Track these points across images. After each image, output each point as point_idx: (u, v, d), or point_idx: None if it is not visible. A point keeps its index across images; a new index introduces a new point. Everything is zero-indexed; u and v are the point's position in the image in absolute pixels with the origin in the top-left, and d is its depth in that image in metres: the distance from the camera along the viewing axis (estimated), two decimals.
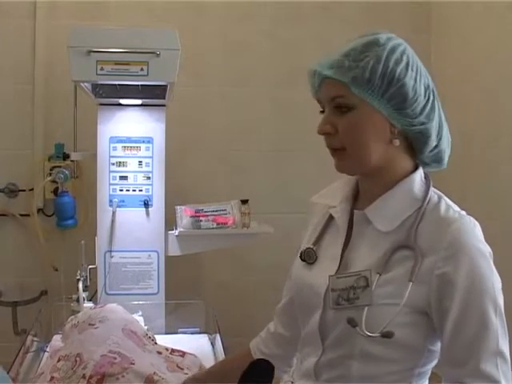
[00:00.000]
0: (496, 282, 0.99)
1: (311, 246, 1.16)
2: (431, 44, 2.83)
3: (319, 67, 1.06)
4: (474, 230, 1.01)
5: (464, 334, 0.96)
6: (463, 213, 1.04)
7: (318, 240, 1.17)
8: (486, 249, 1.01)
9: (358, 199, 1.16)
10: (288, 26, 2.80)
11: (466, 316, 0.96)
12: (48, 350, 1.84)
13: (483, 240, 1.02)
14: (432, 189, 1.08)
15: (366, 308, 1.00)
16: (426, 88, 1.04)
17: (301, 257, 1.16)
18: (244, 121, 2.80)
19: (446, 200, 1.07)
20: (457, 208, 1.05)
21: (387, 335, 0.97)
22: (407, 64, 1.02)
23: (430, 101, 1.04)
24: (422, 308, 1.00)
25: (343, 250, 1.10)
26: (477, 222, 1.03)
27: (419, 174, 1.09)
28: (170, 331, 2.15)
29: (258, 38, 2.79)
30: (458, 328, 0.97)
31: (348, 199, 1.16)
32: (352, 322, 1.00)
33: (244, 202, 2.31)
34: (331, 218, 1.17)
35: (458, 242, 0.98)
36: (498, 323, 0.97)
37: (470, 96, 2.44)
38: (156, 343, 1.81)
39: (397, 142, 1.04)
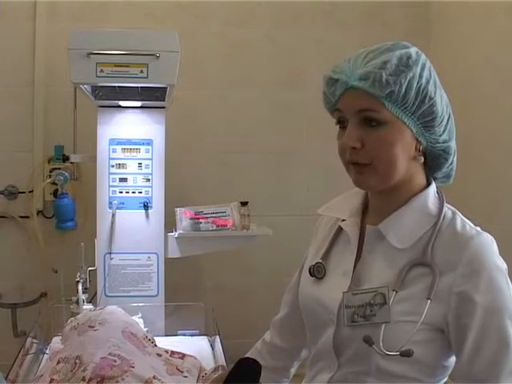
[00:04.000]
0: None
1: (320, 261, 1.13)
2: (430, 48, 2.82)
3: (345, 77, 0.99)
4: (492, 247, 1.00)
5: (484, 352, 0.95)
6: (479, 229, 1.02)
7: (327, 254, 1.15)
8: (503, 265, 0.99)
9: (366, 213, 1.13)
10: (287, 28, 2.80)
11: (486, 334, 0.95)
12: (47, 352, 1.84)
13: (499, 256, 1.00)
14: (446, 204, 1.06)
15: (384, 325, 0.98)
16: (447, 105, 1.03)
17: (310, 272, 1.13)
18: (243, 123, 2.80)
19: (460, 216, 1.05)
20: (472, 224, 1.04)
21: (407, 354, 0.95)
22: (435, 81, 1.01)
23: (450, 118, 1.04)
24: (438, 325, 0.99)
25: (354, 266, 1.08)
26: (493, 239, 1.01)
27: (432, 189, 1.07)
28: (169, 333, 2.14)
29: (257, 41, 2.79)
30: (478, 346, 0.95)
31: (357, 212, 1.13)
32: (369, 341, 0.98)
33: (243, 204, 2.32)
34: (339, 231, 1.15)
35: (477, 259, 0.97)
36: None
37: (470, 100, 2.44)
38: (156, 345, 1.81)
39: (421, 159, 1.04)
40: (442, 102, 1.02)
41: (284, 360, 1.32)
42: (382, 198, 1.09)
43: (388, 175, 1.03)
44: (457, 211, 1.06)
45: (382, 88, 0.97)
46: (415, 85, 0.98)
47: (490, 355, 0.94)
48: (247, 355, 1.36)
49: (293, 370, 1.35)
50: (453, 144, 1.05)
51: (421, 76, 0.99)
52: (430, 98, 0.99)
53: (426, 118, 1.00)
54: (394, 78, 0.97)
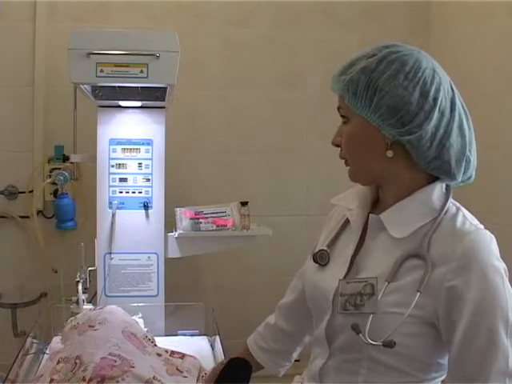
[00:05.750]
0: (510, 299, 0.95)
1: (325, 248, 1.15)
2: (430, 47, 2.82)
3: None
4: (489, 245, 0.98)
5: (472, 351, 0.94)
6: (480, 226, 1.02)
7: (333, 242, 1.16)
8: (501, 265, 0.98)
9: (377, 204, 1.15)
10: (287, 28, 2.80)
11: (474, 333, 0.93)
12: (47, 352, 1.84)
13: (498, 255, 0.98)
14: (451, 200, 1.05)
15: (371, 316, 0.98)
16: (423, 96, 0.99)
17: (314, 258, 1.15)
18: (243, 123, 2.80)
19: (464, 212, 1.04)
20: (475, 221, 1.02)
21: (389, 344, 0.95)
22: (397, 72, 0.99)
23: (425, 110, 0.99)
24: (429, 319, 0.98)
25: (355, 254, 1.10)
26: (493, 237, 1.00)
27: (439, 185, 1.06)
28: (169, 333, 2.14)
29: (257, 41, 2.79)
30: (465, 345, 0.94)
31: (366, 203, 1.15)
32: (356, 329, 0.99)
33: (243, 204, 2.31)
34: (347, 221, 1.16)
35: (470, 255, 0.96)
36: (509, 342, 0.93)
37: (470, 100, 2.43)
38: (156, 345, 1.81)
39: (390, 153, 1.02)
40: (406, 92, 0.98)
41: (287, 344, 1.34)
42: (387, 190, 1.10)
43: (358, 169, 1.08)
44: (462, 208, 1.06)
45: (339, 86, 1.05)
46: (365, 79, 1.01)
47: (479, 354, 0.94)
48: (249, 338, 1.37)
49: (295, 355, 1.38)
50: (423, 136, 1.00)
51: (374, 69, 1.00)
52: (381, 90, 0.99)
53: (381, 110, 1.00)
54: (345, 76, 1.04)
